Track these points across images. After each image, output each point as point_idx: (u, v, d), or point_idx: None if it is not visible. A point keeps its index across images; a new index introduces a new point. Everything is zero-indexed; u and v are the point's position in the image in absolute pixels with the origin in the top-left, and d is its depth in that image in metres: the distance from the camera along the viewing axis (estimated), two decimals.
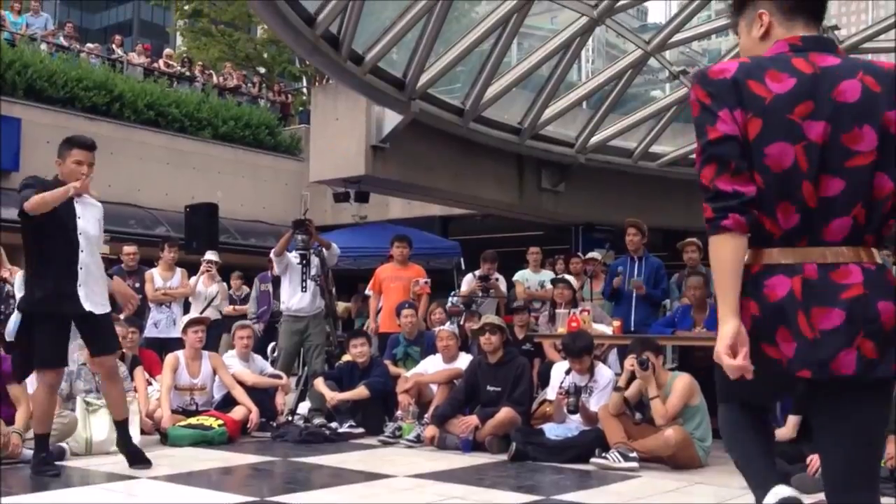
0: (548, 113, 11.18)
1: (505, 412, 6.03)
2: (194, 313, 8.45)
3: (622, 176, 12.67)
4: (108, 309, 5.14)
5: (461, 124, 10.46)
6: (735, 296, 1.92)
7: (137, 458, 5.27)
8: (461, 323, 8.40)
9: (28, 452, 5.38)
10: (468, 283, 9.68)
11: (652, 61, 11.07)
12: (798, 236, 1.94)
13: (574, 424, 5.90)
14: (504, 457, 5.77)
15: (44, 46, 15.73)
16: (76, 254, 4.88)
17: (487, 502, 4.37)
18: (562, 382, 6.00)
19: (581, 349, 6.00)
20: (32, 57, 14.67)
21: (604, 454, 5.38)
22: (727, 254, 1.91)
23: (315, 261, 7.67)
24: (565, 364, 6.21)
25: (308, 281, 7.56)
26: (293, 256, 7.69)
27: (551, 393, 6.20)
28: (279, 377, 7.42)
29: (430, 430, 6.31)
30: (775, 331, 1.93)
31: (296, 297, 7.63)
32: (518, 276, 9.86)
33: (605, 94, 11.36)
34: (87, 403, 6.01)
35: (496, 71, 9.90)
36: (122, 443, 5.35)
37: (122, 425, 5.33)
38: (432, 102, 10.05)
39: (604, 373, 6.13)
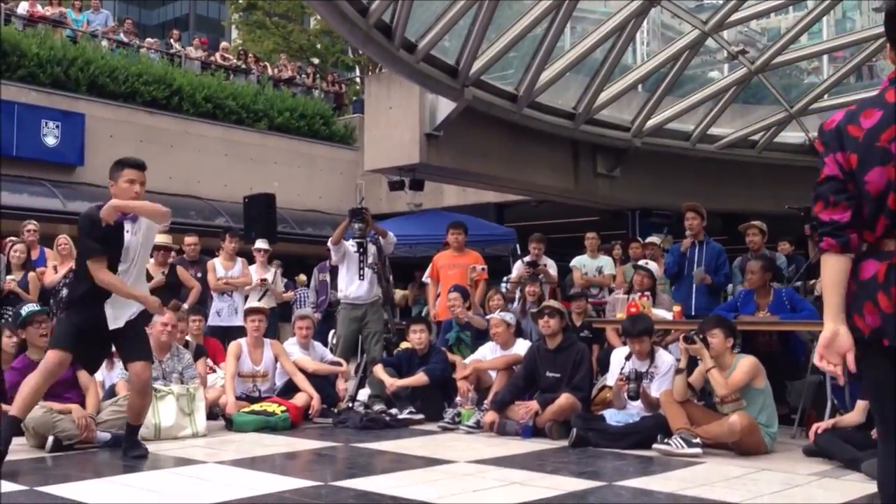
0: (602, 97, 11.07)
1: (565, 398, 6.01)
2: (252, 302, 8.60)
3: (679, 159, 12.49)
4: (134, 316, 5.14)
5: (515, 110, 10.42)
6: (836, 304, 2.28)
7: (135, 452, 5.24)
8: (525, 289, 8.31)
9: (102, 436, 5.56)
10: (517, 269, 9.65)
11: (709, 41, 10.87)
12: (886, 235, 2.29)
13: (635, 410, 5.86)
14: (564, 443, 5.75)
15: (104, 43, 16.08)
16: (114, 270, 4.98)
17: (550, 487, 4.36)
18: (622, 368, 5.96)
19: (641, 331, 5.95)
20: (94, 53, 15.03)
21: (666, 440, 5.33)
22: (828, 270, 2.31)
23: (372, 249, 7.72)
24: (625, 349, 6.17)
25: (365, 269, 7.61)
26: (350, 245, 7.76)
27: (611, 379, 6.15)
28: (339, 364, 7.51)
29: (490, 416, 6.33)
30: (863, 305, 2.26)
31: (353, 286, 7.69)
32: (575, 261, 9.79)
33: (662, 77, 11.19)
34: (155, 390, 6.15)
35: (549, 56, 9.82)
36: (127, 442, 5.31)
37: (133, 429, 5.34)
38: (485, 89, 10.03)
39: (665, 358, 6.06)
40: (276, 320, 9.20)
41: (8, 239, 8.56)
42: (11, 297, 7.87)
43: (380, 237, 7.81)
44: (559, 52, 10.25)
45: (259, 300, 8.92)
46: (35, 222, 9.08)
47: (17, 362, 5.90)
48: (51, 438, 5.40)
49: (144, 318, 5.32)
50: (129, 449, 5.25)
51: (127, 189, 5.00)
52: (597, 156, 12.26)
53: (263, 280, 9.19)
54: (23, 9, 15.38)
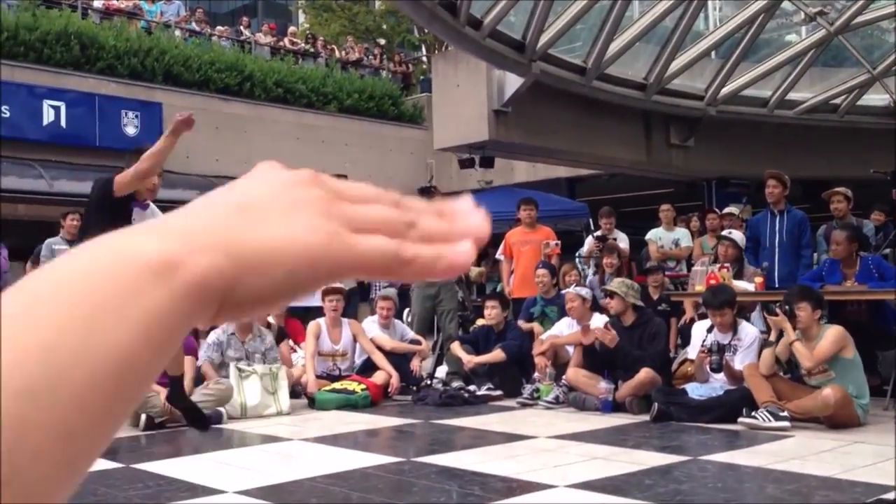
0: (674, 66, 10.82)
1: (644, 372, 5.95)
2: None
3: (757, 126, 12.15)
4: None
5: (584, 83, 10.27)
6: None
7: (194, 416, 5.01)
8: (600, 261, 8.23)
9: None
10: (588, 243, 9.56)
11: (785, 3, 10.52)
12: None
13: (718, 384, 5.76)
14: (645, 417, 5.71)
15: (177, 32, 16.43)
16: None
17: (633, 462, 4.34)
18: (703, 341, 5.85)
19: (722, 302, 5.83)
20: (168, 43, 15.37)
21: (752, 413, 5.23)
22: None
23: None
24: (706, 322, 6.06)
25: None
26: None
27: (692, 352, 6.06)
28: (418, 342, 7.57)
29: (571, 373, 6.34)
30: None
31: None
32: (650, 234, 9.64)
33: (736, 42, 10.87)
34: (240, 370, 6.34)
35: (618, 26, 9.63)
36: (175, 398, 5.02)
37: (176, 381, 5.01)
38: (553, 63, 9.90)
39: (748, 330, 5.93)
40: (357, 300, 9.29)
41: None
42: None
43: None
44: (628, 22, 10.05)
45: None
46: None
47: None
48: (143, 416, 5.61)
49: None
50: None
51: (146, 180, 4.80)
52: (670, 126, 12.01)
53: None
54: (99, 2, 15.80)
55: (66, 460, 0.29)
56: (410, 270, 0.36)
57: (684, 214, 10.22)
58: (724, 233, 7.95)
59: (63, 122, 13.65)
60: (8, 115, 13.11)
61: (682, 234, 9.49)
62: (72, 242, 8.40)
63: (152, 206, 4.95)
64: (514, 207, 9.22)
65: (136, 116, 14.35)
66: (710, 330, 5.90)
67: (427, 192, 7.72)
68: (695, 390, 5.77)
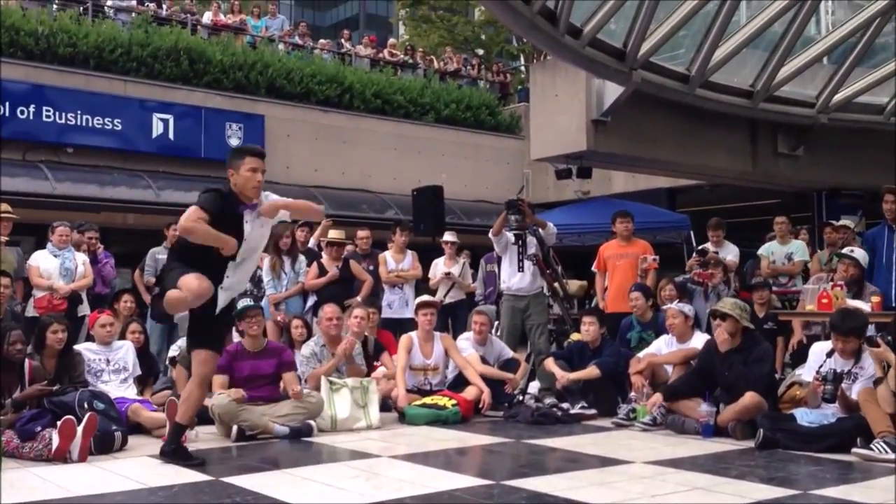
0: (783, 72, 10.37)
1: (749, 396, 5.63)
2: (440, 295, 8.70)
3: (871, 135, 11.50)
4: (226, 304, 4.99)
5: (687, 91, 9.94)
6: None
7: (178, 455, 4.92)
8: (705, 270, 7.91)
9: (280, 429, 5.76)
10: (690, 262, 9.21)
11: None
12: None
13: (830, 410, 5.39)
14: (750, 444, 5.40)
15: (281, 46, 16.81)
16: (224, 264, 4.77)
17: (737, 494, 4.08)
18: (820, 366, 5.48)
19: (850, 329, 5.44)
20: (272, 57, 15.75)
21: (868, 444, 4.87)
22: None
23: (532, 240, 7.58)
24: (827, 344, 5.67)
25: (524, 261, 7.49)
26: (511, 236, 7.66)
27: (807, 374, 5.68)
28: (516, 362, 7.40)
29: (656, 398, 6.05)
30: None
31: (515, 277, 7.61)
32: (763, 249, 9.23)
33: (850, 47, 10.34)
34: (331, 383, 6.34)
35: (724, 32, 9.29)
36: (170, 440, 5.00)
37: (179, 428, 5.00)
38: (655, 71, 9.63)
39: (872, 359, 5.52)
40: (467, 311, 9.16)
41: None
42: None
43: (539, 228, 7.65)
44: (734, 28, 9.68)
45: (446, 294, 9.03)
46: None
47: (232, 347, 6.23)
48: (235, 428, 5.66)
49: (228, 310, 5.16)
50: (175, 453, 4.91)
51: (250, 178, 4.80)
52: (777, 135, 11.51)
53: (448, 274, 9.26)
54: (207, 18, 16.32)
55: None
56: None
57: (793, 227, 9.75)
58: (846, 250, 7.44)
59: (171, 135, 14.15)
60: (120, 127, 13.66)
61: (796, 248, 9.04)
62: None
63: (264, 196, 4.92)
64: (610, 219, 8.99)
65: (240, 128, 14.74)
66: (829, 354, 5.52)
67: (513, 204, 7.54)
68: (804, 416, 5.43)
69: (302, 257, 8.57)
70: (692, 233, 13.45)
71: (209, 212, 4.67)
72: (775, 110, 10.96)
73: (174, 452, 4.88)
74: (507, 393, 7.24)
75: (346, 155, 15.83)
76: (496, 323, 8.78)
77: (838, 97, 10.94)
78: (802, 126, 11.33)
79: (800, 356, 6.52)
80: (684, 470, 4.70)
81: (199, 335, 5.00)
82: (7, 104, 12.70)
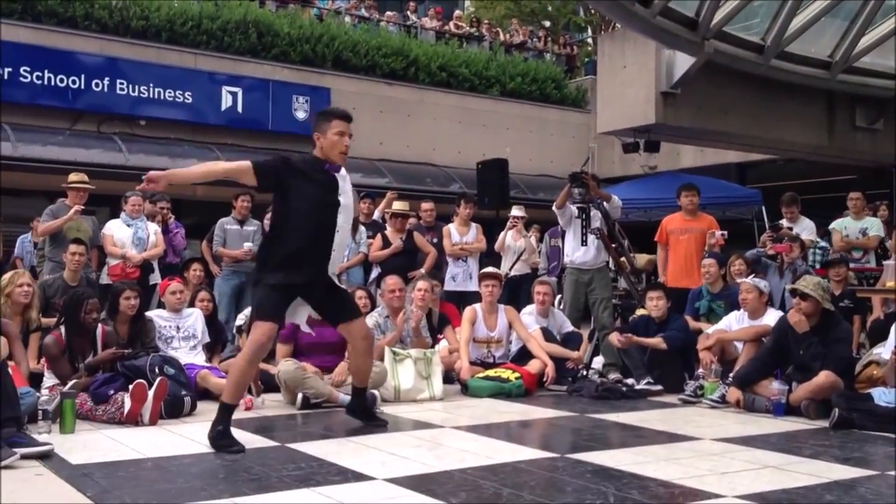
0: (863, 42, 9.96)
1: (824, 375, 5.45)
2: (504, 267, 8.65)
3: None
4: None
5: (761, 62, 9.62)
6: None
7: (372, 418, 5.09)
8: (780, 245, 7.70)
9: (345, 398, 5.80)
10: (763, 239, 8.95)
11: None
12: None
13: None
14: (823, 423, 5.25)
15: (347, 19, 16.83)
16: (333, 229, 4.66)
17: (811, 474, 3.96)
18: None
19: None
20: (338, 30, 15.79)
21: None
22: None
23: (596, 214, 7.46)
24: None
25: (588, 235, 7.38)
26: (574, 209, 7.55)
27: (886, 353, 5.48)
28: (577, 337, 7.33)
29: (734, 393, 5.91)
30: None
31: (579, 251, 7.50)
32: (835, 224, 8.93)
33: None
34: (395, 353, 6.36)
35: (801, 0, 8.95)
36: (359, 407, 5.12)
37: (361, 392, 5.12)
38: (728, 41, 9.33)
39: None
40: (530, 286, 9.09)
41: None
42: None
43: (604, 202, 7.52)
44: None
45: (511, 267, 8.99)
46: None
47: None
48: (300, 396, 5.73)
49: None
50: (365, 416, 5.10)
51: (337, 141, 4.68)
52: (856, 107, 11.08)
53: (462, 247, 8.95)
54: None
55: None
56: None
57: (871, 203, 9.41)
58: None
59: (239, 108, 14.32)
60: (191, 100, 13.87)
61: (871, 224, 8.74)
62: (242, 222, 8.74)
63: (344, 171, 4.85)
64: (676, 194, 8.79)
65: (307, 101, 14.84)
66: None
67: (576, 177, 7.40)
68: (882, 396, 5.25)
69: (362, 228, 8.63)
70: (763, 208, 13.11)
71: (261, 174, 4.57)
72: (854, 82, 10.55)
73: (221, 435, 4.44)
74: (569, 368, 7.18)
75: (410, 128, 15.83)
76: (559, 296, 8.70)
77: None
78: (882, 98, 10.89)
79: (878, 334, 6.28)
80: (755, 448, 4.58)
81: (273, 305, 4.61)
82: (83, 76, 13.01)
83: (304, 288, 4.69)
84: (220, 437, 4.43)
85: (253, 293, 4.96)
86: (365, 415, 5.13)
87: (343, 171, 4.83)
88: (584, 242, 7.40)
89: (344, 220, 4.75)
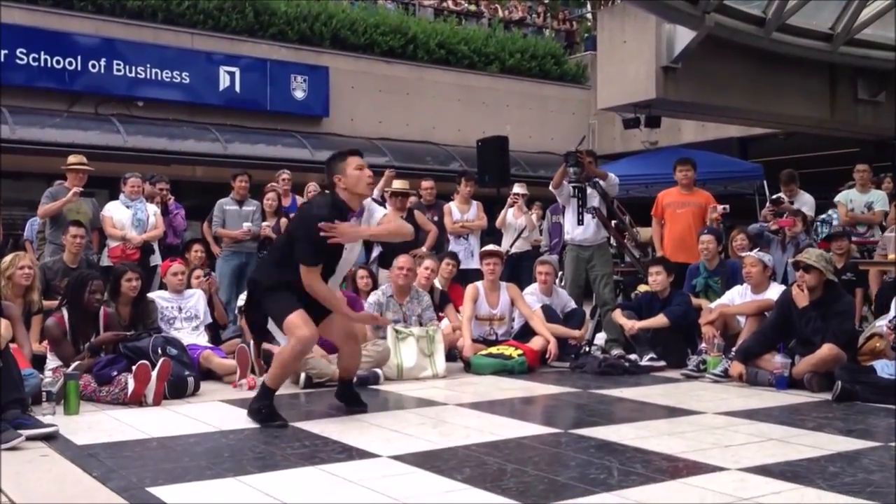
0: (865, 14, 9.86)
1: (827, 348, 5.46)
2: (505, 245, 8.62)
3: None
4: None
5: (762, 35, 9.54)
6: None
7: (356, 402, 5.02)
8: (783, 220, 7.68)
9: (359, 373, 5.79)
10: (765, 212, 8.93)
11: None
12: None
13: None
14: (826, 396, 5.26)
15: None
16: (338, 256, 4.68)
17: (814, 446, 3.96)
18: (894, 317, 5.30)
19: None
20: (336, 8, 15.68)
21: None
22: None
23: (593, 193, 7.43)
24: None
25: (584, 213, 7.36)
26: (571, 188, 7.52)
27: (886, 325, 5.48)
28: (580, 314, 7.33)
29: (737, 367, 5.92)
30: None
31: (578, 229, 7.50)
32: (840, 196, 8.89)
33: None
34: (397, 332, 6.36)
35: None
36: (346, 394, 5.07)
37: (348, 382, 5.09)
38: (729, 14, 9.24)
39: None
40: (532, 263, 9.08)
41: (269, 185, 9.17)
42: (266, 242, 8.45)
43: (600, 181, 7.49)
44: None
45: (512, 244, 8.97)
46: (288, 172, 9.63)
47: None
48: (303, 375, 5.74)
49: None
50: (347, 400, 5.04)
51: (360, 175, 4.64)
52: (857, 80, 11.01)
53: (463, 224, 8.91)
54: None
55: None
56: None
57: (875, 176, 9.38)
58: None
59: (237, 88, 14.24)
60: (188, 81, 13.80)
61: (876, 197, 8.70)
62: (240, 202, 8.71)
63: (366, 204, 4.81)
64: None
65: (305, 80, 14.77)
66: None
67: (571, 156, 7.36)
68: (885, 369, 5.26)
69: None
70: (765, 182, 13.07)
71: (314, 261, 4.54)
72: (856, 54, 10.47)
73: (261, 413, 4.53)
74: (572, 345, 7.19)
75: (410, 106, 15.76)
76: (560, 273, 8.69)
77: None
78: (884, 70, 10.82)
79: (881, 307, 6.28)
80: (758, 421, 4.59)
81: (287, 297, 4.59)
82: (79, 58, 12.94)
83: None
84: (263, 412, 4.53)
85: (265, 307, 4.76)
86: (347, 398, 5.05)
87: (367, 202, 4.81)
88: (580, 222, 7.39)
89: (351, 247, 4.74)
